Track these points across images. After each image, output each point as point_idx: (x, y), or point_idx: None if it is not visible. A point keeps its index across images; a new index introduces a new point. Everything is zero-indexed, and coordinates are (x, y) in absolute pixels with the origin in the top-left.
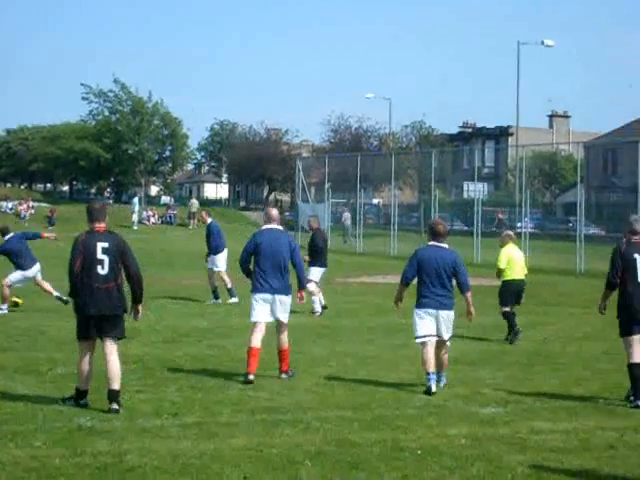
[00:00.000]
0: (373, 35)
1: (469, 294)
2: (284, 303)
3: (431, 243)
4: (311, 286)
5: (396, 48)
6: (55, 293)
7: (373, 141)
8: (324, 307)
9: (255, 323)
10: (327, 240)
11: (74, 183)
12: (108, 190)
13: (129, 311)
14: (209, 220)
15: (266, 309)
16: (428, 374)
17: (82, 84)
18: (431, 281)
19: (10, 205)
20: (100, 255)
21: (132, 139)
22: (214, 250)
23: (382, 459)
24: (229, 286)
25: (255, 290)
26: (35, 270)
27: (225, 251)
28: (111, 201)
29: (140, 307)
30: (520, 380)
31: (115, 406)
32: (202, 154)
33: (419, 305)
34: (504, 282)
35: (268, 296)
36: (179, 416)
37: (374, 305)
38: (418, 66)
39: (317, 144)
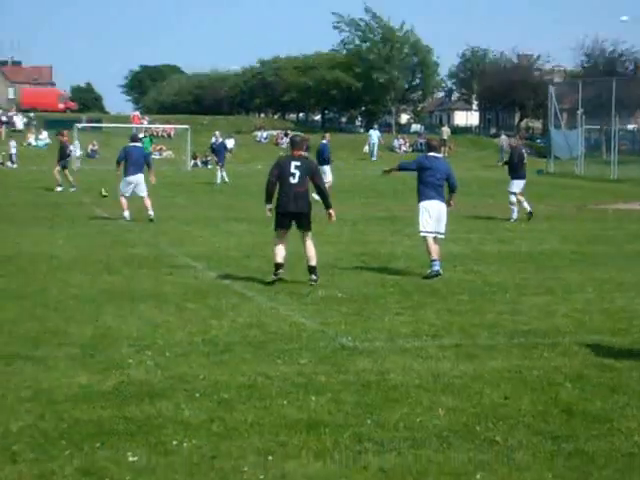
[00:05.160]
0: None
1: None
2: None
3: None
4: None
5: None
6: (149, 211)
7: (628, 65)
8: (530, 213)
9: None
10: (523, 156)
11: (326, 112)
12: (359, 119)
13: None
14: None
15: None
16: None
17: (333, 13)
18: None
19: (265, 135)
20: (293, 170)
21: (382, 68)
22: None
23: None
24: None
25: None
26: (135, 179)
27: None
28: (362, 130)
29: (332, 211)
30: None
31: (313, 277)
32: (452, 81)
33: None
34: None
35: None
36: (438, 338)
37: (630, 232)
38: None
39: (570, 69)
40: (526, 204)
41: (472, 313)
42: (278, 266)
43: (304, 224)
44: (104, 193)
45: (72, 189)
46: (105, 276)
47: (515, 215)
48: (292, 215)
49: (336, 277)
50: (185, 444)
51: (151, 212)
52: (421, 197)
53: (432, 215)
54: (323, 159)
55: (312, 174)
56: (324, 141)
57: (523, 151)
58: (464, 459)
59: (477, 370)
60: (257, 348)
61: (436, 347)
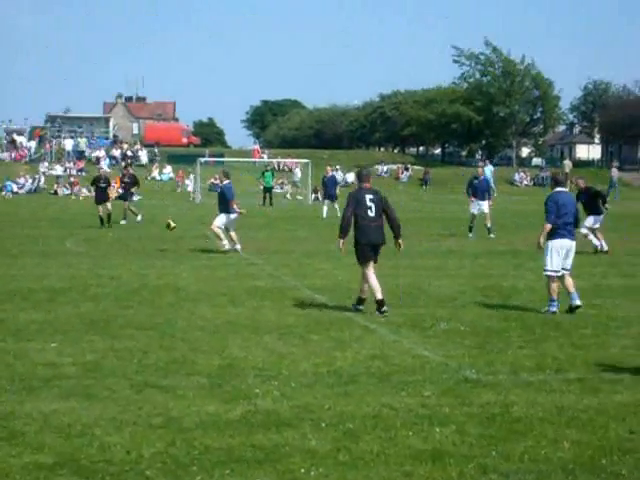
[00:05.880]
0: None
1: None
2: None
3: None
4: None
5: None
6: (237, 245)
7: None
8: (601, 250)
9: None
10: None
11: (446, 146)
12: (479, 152)
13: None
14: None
15: None
16: None
17: (453, 47)
18: None
19: (385, 168)
20: (369, 203)
21: (503, 101)
22: None
23: None
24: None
25: None
26: (236, 216)
27: None
28: (483, 163)
29: (400, 241)
30: None
31: (384, 309)
32: (574, 114)
33: None
34: None
35: None
36: (561, 371)
37: None
38: None
39: None
40: (595, 240)
41: (596, 347)
42: (362, 301)
43: (376, 256)
44: (172, 225)
45: (122, 222)
46: (230, 308)
47: (603, 246)
48: (373, 246)
49: (458, 310)
50: (312, 472)
51: (239, 245)
52: (553, 235)
53: (561, 254)
54: (484, 192)
55: (385, 206)
56: (482, 173)
57: (593, 190)
58: None
59: (602, 404)
60: (381, 380)
61: (560, 381)
